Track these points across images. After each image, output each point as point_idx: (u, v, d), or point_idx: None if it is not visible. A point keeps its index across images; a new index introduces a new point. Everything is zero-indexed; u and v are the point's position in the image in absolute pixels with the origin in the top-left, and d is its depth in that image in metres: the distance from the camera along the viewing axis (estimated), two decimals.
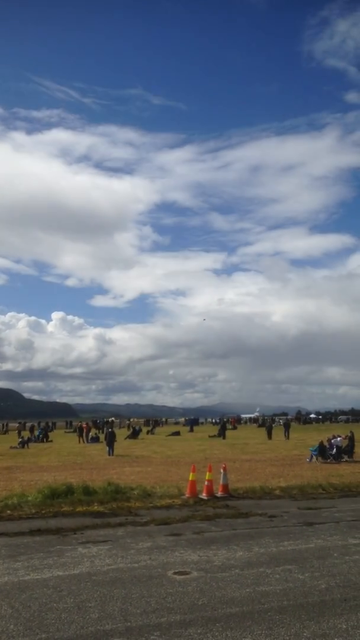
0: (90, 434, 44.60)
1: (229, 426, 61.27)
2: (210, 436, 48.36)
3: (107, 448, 28.98)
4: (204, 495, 13.42)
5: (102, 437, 39.80)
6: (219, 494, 13.77)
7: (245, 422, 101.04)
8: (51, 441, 43.95)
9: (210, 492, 13.56)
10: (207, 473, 13.96)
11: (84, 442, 41.50)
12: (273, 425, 52.89)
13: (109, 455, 28.13)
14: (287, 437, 42.87)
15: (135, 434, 47.89)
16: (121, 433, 46.85)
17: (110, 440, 29.06)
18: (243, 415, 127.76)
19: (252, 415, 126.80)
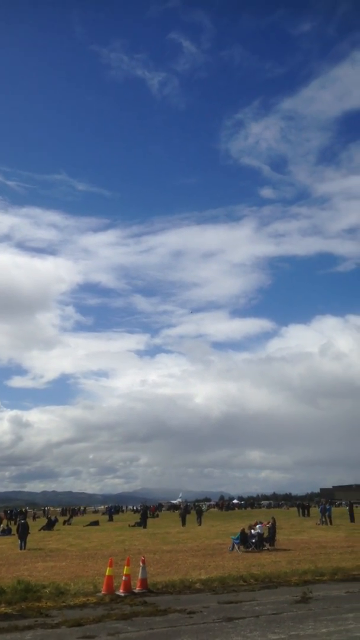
0: (1, 525, 41.55)
1: (150, 514, 59.19)
2: (130, 525, 46.31)
3: (19, 541, 26.95)
4: (121, 592, 12.73)
5: (14, 529, 37.06)
6: (137, 589, 13.12)
7: (168, 509, 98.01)
8: None
9: (128, 588, 12.90)
10: (125, 567, 13.31)
11: None
12: (191, 511, 52.20)
13: (21, 549, 26.15)
14: (200, 524, 43.51)
15: (50, 525, 44.94)
16: (36, 524, 43.86)
17: (23, 532, 27.10)
18: (173, 501, 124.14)
19: (174, 502, 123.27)
